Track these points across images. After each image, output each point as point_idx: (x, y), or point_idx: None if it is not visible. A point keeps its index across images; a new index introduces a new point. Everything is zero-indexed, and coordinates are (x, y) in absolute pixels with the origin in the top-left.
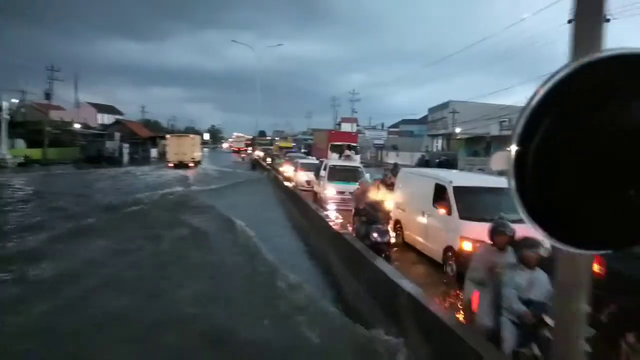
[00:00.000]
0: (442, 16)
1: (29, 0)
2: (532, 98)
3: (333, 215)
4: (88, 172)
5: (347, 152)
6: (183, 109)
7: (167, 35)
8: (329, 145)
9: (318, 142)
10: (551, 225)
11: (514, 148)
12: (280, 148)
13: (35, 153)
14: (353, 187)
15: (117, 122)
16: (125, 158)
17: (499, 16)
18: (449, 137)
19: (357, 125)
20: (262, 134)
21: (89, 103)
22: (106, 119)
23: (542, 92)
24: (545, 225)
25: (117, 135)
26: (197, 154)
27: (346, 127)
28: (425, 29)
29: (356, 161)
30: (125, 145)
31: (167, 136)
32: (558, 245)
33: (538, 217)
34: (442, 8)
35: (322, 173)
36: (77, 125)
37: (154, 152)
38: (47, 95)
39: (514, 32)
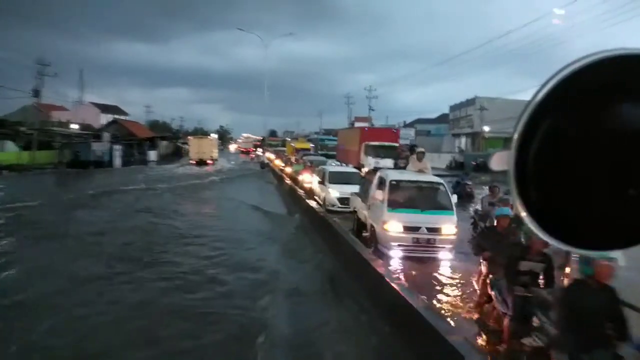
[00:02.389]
0: (450, 14)
1: (35, 3)
2: (533, 98)
3: (403, 271)
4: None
5: (417, 156)
6: (191, 110)
7: (174, 36)
8: (363, 147)
9: (345, 142)
10: (552, 225)
11: (514, 148)
12: (297, 150)
13: (11, 157)
14: (436, 219)
15: (114, 121)
16: (117, 161)
17: (509, 14)
18: (475, 136)
19: (372, 126)
20: (273, 133)
21: (92, 103)
22: (111, 119)
23: (543, 92)
24: (546, 225)
25: (107, 135)
26: (215, 153)
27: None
28: (433, 27)
29: (429, 172)
30: (117, 147)
31: (189, 138)
32: (559, 245)
33: (539, 217)
34: (451, 6)
35: (377, 194)
36: (74, 126)
37: (152, 155)
38: (36, 93)
39: (531, 30)
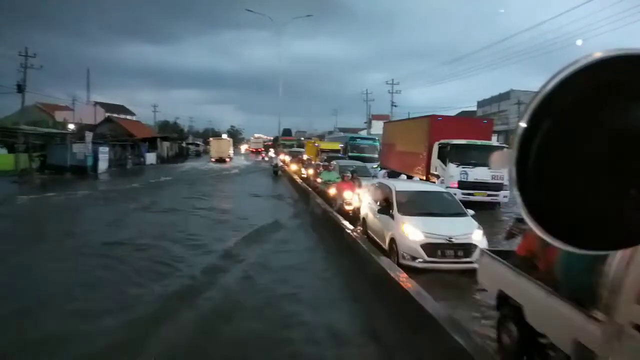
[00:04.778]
0: (461, 12)
1: (48, 6)
2: (534, 97)
3: None
4: None
5: None
6: (203, 111)
7: (185, 37)
8: (435, 148)
9: (399, 140)
10: (552, 225)
11: (516, 147)
12: (322, 151)
13: None
14: None
15: (108, 119)
16: (103, 166)
17: (522, 13)
18: (511, 133)
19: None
20: (287, 132)
21: (97, 102)
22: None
23: (545, 91)
24: (547, 225)
25: (89, 135)
26: (231, 152)
27: (378, 127)
28: (444, 25)
29: None
30: (104, 150)
31: (211, 139)
32: (559, 244)
33: (539, 217)
34: (463, 4)
35: None
36: (71, 126)
37: (150, 157)
38: (19, 87)
39: (544, 29)
